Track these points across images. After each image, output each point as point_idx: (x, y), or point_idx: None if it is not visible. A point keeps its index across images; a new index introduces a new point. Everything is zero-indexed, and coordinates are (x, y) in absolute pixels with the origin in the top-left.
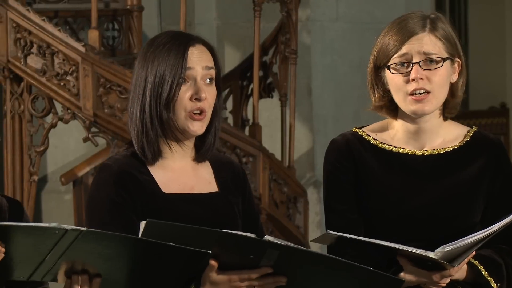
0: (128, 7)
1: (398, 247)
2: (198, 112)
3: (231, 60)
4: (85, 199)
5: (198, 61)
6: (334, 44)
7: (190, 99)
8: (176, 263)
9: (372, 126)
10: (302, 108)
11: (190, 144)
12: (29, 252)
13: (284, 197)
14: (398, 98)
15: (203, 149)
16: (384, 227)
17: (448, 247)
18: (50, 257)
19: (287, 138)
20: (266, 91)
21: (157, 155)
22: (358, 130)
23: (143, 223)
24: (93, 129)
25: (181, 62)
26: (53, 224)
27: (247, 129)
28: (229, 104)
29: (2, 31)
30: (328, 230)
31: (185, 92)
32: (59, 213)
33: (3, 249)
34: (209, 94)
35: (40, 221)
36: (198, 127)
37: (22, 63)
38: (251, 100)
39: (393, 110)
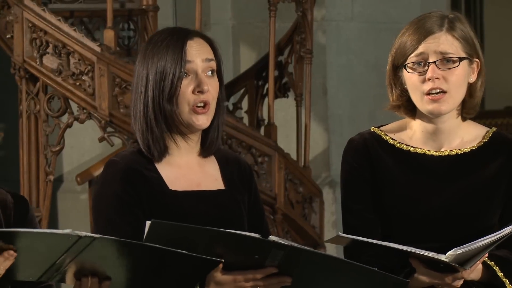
0: (144, 7)
1: (409, 250)
2: (202, 105)
3: (247, 60)
4: (92, 196)
5: (198, 53)
6: (350, 44)
7: (193, 92)
8: (187, 269)
9: (390, 126)
10: (317, 108)
11: (195, 138)
12: (41, 256)
13: (299, 197)
14: (415, 98)
15: (207, 143)
16: (400, 227)
17: (459, 250)
18: (61, 260)
19: (303, 138)
20: (281, 91)
21: (163, 151)
22: (376, 130)
23: (148, 223)
24: (109, 129)
25: (180, 56)
26: (67, 231)
27: (262, 129)
28: (245, 104)
29: (18, 31)
30: (340, 233)
31: (187, 86)
32: (75, 212)
33: (15, 254)
34: (212, 86)
35: (56, 221)
36: (203, 121)
37: (37, 63)
38: (266, 100)
39: (411, 109)
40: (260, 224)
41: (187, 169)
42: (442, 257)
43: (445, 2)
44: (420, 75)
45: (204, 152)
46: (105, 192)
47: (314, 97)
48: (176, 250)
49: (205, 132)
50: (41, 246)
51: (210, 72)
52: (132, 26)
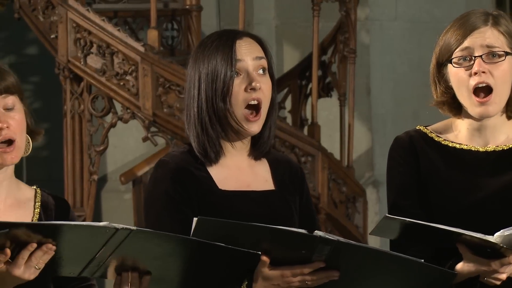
0: (187, 7)
1: (458, 231)
2: (255, 103)
3: (290, 59)
4: (143, 195)
5: (248, 52)
6: (393, 44)
7: (245, 90)
8: (226, 263)
9: (436, 125)
10: (361, 108)
11: (248, 138)
12: (80, 250)
13: (343, 196)
14: (461, 95)
15: (259, 143)
16: (444, 222)
17: (507, 232)
18: (100, 254)
19: (346, 138)
20: (325, 91)
21: (220, 153)
22: (421, 128)
23: (194, 220)
24: (152, 129)
25: (230, 55)
26: (104, 223)
27: (306, 128)
28: (288, 104)
29: (62, 31)
30: (387, 214)
31: (240, 85)
32: (119, 212)
33: (54, 247)
34: (264, 84)
35: (99, 220)
36: (254, 128)
37: (82, 63)
38: (310, 99)
39: (455, 107)
40: (312, 226)
41: (237, 170)
42: (491, 238)
43: (490, 0)
44: (466, 70)
45: (255, 151)
46: (155, 191)
47: (358, 96)
48: (212, 242)
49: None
50: (79, 239)
51: (261, 70)
52: (175, 26)
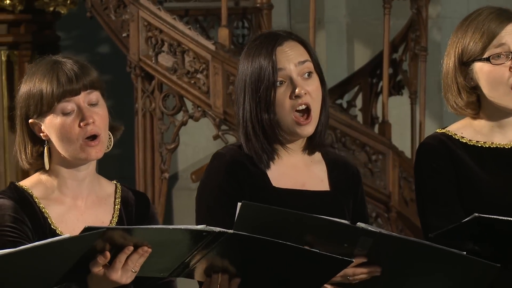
0: (258, 5)
1: None
2: (303, 108)
3: (361, 57)
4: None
5: (290, 59)
6: None
7: (290, 97)
8: (316, 268)
9: (456, 126)
10: (432, 106)
11: (300, 139)
12: (173, 252)
13: (414, 195)
14: (496, 93)
15: (313, 139)
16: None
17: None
18: (192, 256)
19: (417, 136)
20: (395, 89)
21: (273, 155)
22: (444, 131)
23: (239, 205)
24: (223, 127)
25: (271, 65)
26: (201, 227)
27: (376, 126)
28: (359, 102)
29: (133, 30)
30: (476, 214)
31: (285, 93)
32: (190, 210)
33: (149, 250)
34: (310, 88)
35: (171, 218)
36: (308, 131)
37: (153, 61)
38: (380, 97)
39: (477, 107)
40: None
41: (293, 168)
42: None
43: None
44: (503, 66)
45: (309, 146)
46: (209, 182)
47: (429, 94)
48: (308, 248)
49: None
50: (173, 242)
51: (306, 74)
52: (246, 24)
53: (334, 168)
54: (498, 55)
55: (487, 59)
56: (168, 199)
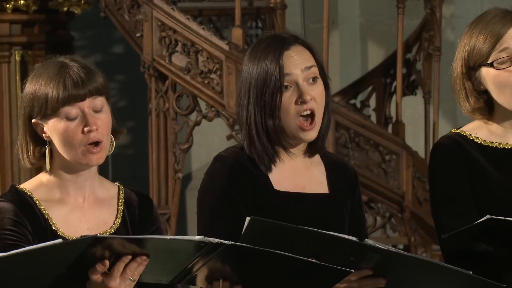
0: (272, 5)
1: None
2: (307, 113)
3: (375, 57)
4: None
5: (296, 64)
6: None
7: (296, 103)
8: (316, 278)
9: (471, 126)
10: (446, 106)
11: (302, 144)
12: (172, 261)
13: (427, 195)
14: (503, 97)
15: (314, 143)
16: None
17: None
18: (192, 265)
19: (431, 136)
20: (409, 89)
21: (275, 158)
22: (459, 131)
23: (247, 220)
24: (237, 127)
25: (278, 69)
26: (199, 237)
27: (390, 126)
28: (372, 102)
29: (147, 30)
30: (489, 215)
31: (290, 98)
32: None
33: (147, 259)
34: (315, 93)
35: (184, 218)
36: (311, 135)
37: (167, 61)
38: (394, 97)
39: (487, 111)
40: (360, 230)
41: (294, 171)
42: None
43: None
44: (510, 72)
45: (310, 149)
46: (212, 185)
47: (443, 94)
48: (309, 259)
49: None
50: (173, 251)
51: (312, 80)
52: (260, 24)
53: (333, 169)
54: (502, 60)
55: (491, 64)
56: (182, 199)
